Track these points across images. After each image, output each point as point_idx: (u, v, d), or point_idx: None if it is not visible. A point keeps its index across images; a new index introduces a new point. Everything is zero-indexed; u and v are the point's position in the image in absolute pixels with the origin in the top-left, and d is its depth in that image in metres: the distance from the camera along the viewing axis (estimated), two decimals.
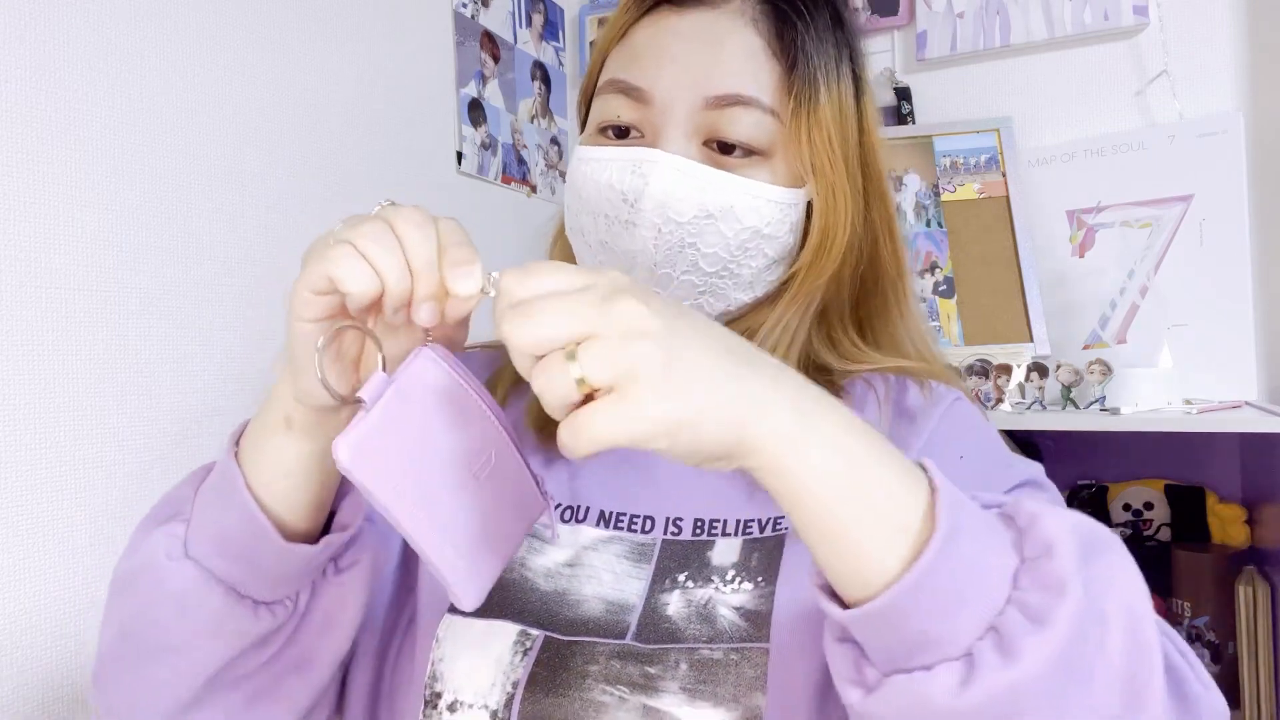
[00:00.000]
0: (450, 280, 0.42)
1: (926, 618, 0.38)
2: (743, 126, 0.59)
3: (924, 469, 0.41)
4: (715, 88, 0.59)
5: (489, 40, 1.28)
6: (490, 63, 1.28)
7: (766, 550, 0.59)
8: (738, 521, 0.61)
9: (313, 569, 0.54)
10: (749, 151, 0.60)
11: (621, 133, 0.62)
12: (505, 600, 0.60)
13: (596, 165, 0.61)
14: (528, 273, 0.39)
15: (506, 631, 0.58)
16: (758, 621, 0.55)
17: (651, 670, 0.54)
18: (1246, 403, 1.09)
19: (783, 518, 0.60)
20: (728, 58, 0.60)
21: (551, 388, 0.36)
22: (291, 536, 0.51)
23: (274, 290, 0.94)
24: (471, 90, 1.24)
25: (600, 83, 0.64)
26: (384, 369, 0.43)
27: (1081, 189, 1.26)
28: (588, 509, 0.64)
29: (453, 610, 0.59)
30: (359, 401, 0.41)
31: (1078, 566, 0.38)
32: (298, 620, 0.55)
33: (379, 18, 1.10)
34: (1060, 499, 0.59)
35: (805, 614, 0.54)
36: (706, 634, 0.56)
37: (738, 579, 0.58)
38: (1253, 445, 1.12)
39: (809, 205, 0.63)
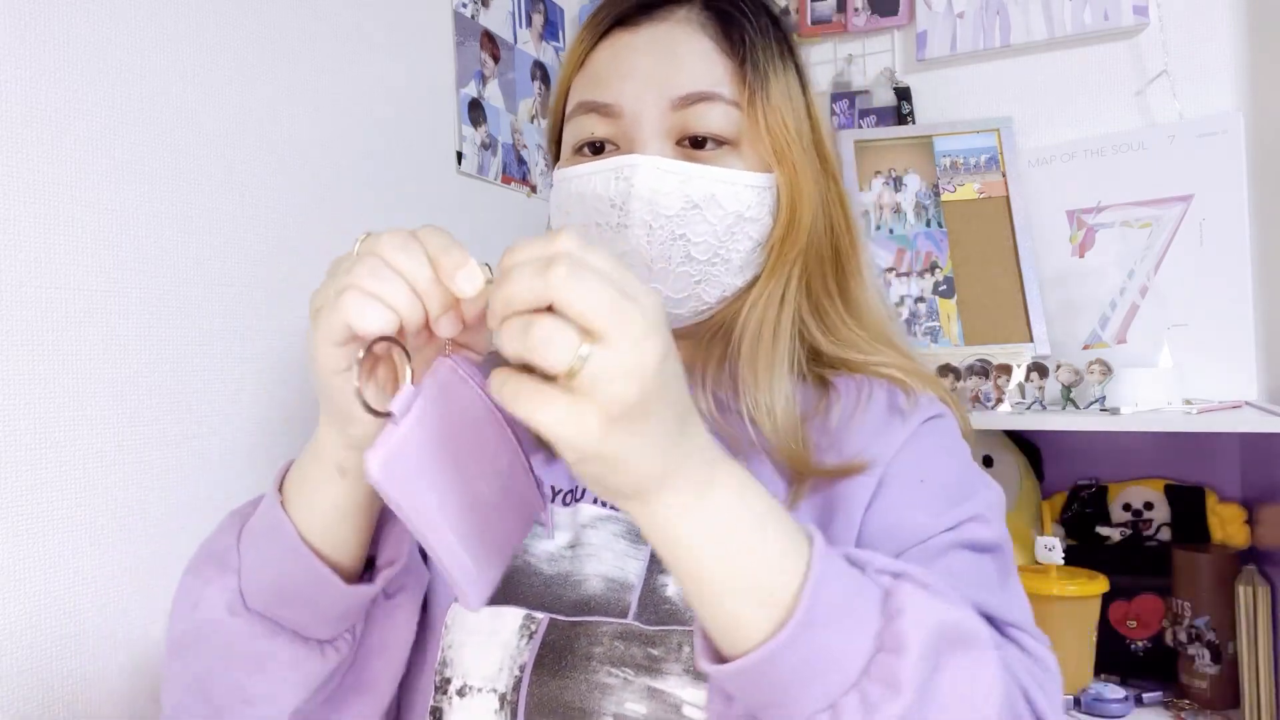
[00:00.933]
0: (455, 287, 0.42)
1: (774, 689, 0.42)
2: (710, 119, 0.64)
3: (810, 541, 0.44)
4: (678, 89, 0.63)
5: (489, 40, 1.28)
6: (490, 63, 1.28)
7: None
8: None
9: (369, 603, 0.56)
10: (719, 142, 0.64)
11: (597, 149, 0.66)
12: (510, 587, 0.62)
13: (580, 181, 0.65)
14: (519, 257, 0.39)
15: (512, 616, 0.60)
16: None
17: (655, 652, 0.57)
18: (1246, 403, 1.09)
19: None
20: (684, 61, 0.64)
21: (550, 349, 0.36)
22: (346, 576, 0.53)
23: (274, 290, 0.94)
24: (471, 90, 1.24)
25: (569, 109, 0.68)
26: (411, 382, 0.43)
27: (1081, 189, 1.26)
28: (584, 489, 0.66)
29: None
30: (388, 415, 0.42)
31: (920, 670, 0.41)
32: (356, 649, 0.57)
33: (379, 18, 1.10)
34: (1004, 536, 0.60)
35: None
36: None
37: None
38: (1253, 445, 1.12)
39: (778, 190, 0.66)
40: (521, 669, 0.58)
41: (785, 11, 1.46)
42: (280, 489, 0.54)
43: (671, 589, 0.60)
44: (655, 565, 0.61)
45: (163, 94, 0.83)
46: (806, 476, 0.61)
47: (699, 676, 0.55)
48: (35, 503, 0.71)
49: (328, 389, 0.47)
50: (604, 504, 0.65)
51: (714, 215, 0.63)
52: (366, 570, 0.57)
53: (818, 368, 0.68)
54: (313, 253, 0.99)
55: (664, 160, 0.62)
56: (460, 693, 0.59)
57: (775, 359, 0.64)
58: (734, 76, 0.64)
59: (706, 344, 0.68)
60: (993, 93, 1.34)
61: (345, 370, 0.44)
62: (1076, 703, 1.06)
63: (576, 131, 0.66)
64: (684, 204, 0.62)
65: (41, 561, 0.72)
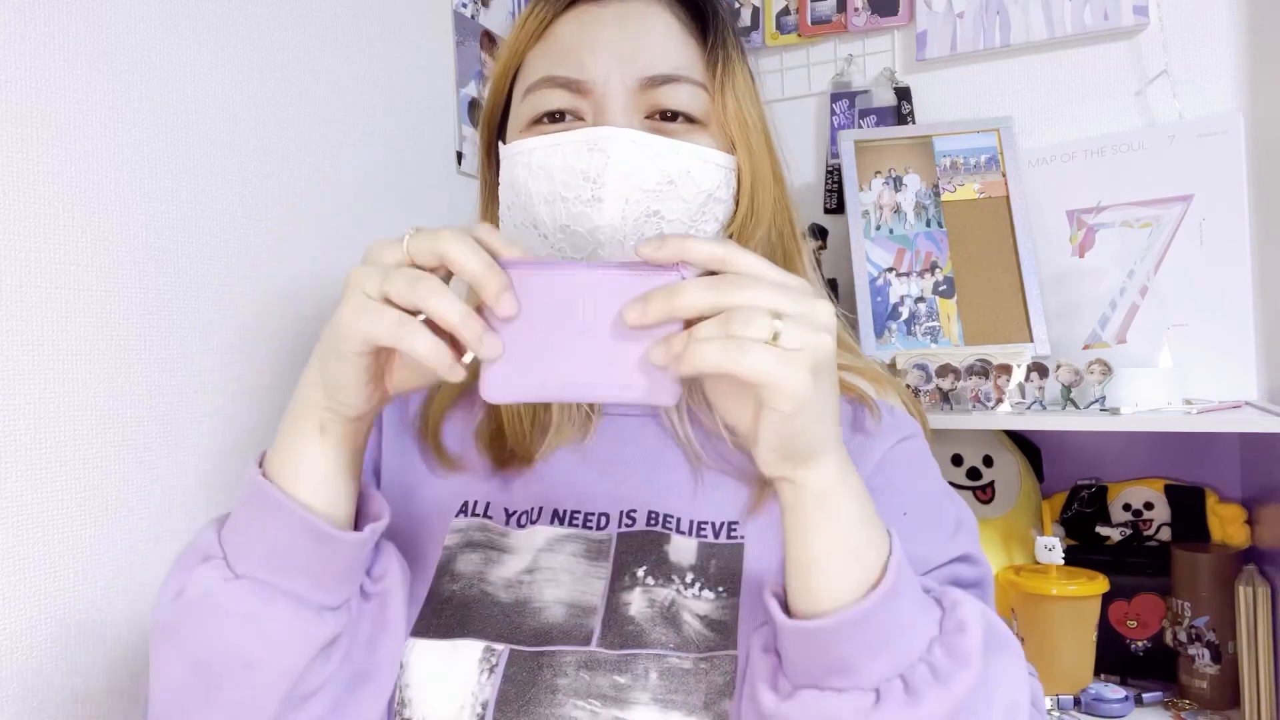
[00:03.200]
0: (499, 310, 0.46)
1: (854, 648, 0.46)
2: (680, 99, 0.63)
3: (889, 533, 0.49)
4: (648, 69, 0.63)
5: (489, 40, 1.28)
6: (490, 63, 1.28)
7: (724, 558, 0.60)
8: (691, 522, 0.62)
9: (359, 564, 0.55)
10: (689, 120, 0.64)
11: (557, 119, 0.64)
12: (467, 618, 0.59)
13: (544, 152, 0.62)
14: (738, 250, 0.46)
15: (470, 649, 0.57)
16: (724, 630, 0.57)
17: (621, 680, 0.55)
18: (1246, 403, 1.09)
19: (736, 524, 0.62)
20: (655, 40, 0.63)
21: (749, 329, 0.42)
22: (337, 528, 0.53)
23: (275, 289, 0.94)
24: (471, 90, 1.24)
25: (530, 83, 0.65)
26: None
27: (1081, 189, 1.26)
28: (541, 509, 0.64)
29: (416, 633, 0.59)
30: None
31: (982, 650, 0.47)
32: (351, 633, 0.55)
33: (379, 18, 1.10)
34: (988, 569, 0.63)
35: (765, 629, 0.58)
36: (673, 640, 0.56)
37: (698, 583, 0.59)
38: (1253, 445, 1.12)
39: (739, 172, 0.67)
40: (484, 706, 0.55)
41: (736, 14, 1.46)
42: (261, 462, 0.54)
43: (635, 608, 0.58)
44: (617, 581, 0.59)
45: (163, 94, 0.83)
46: (769, 489, 0.61)
47: (668, 705, 0.54)
48: (35, 503, 0.71)
49: (337, 361, 0.49)
50: (561, 523, 0.63)
51: (688, 192, 0.62)
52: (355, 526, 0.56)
53: None
54: (313, 252, 0.99)
55: (639, 133, 0.60)
56: None
57: None
58: (700, 58, 0.65)
59: None
60: (993, 93, 1.34)
61: (363, 355, 0.48)
62: (1076, 702, 1.06)
63: (537, 104, 0.64)
64: (660, 179, 0.61)
65: (41, 561, 0.72)
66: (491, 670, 0.56)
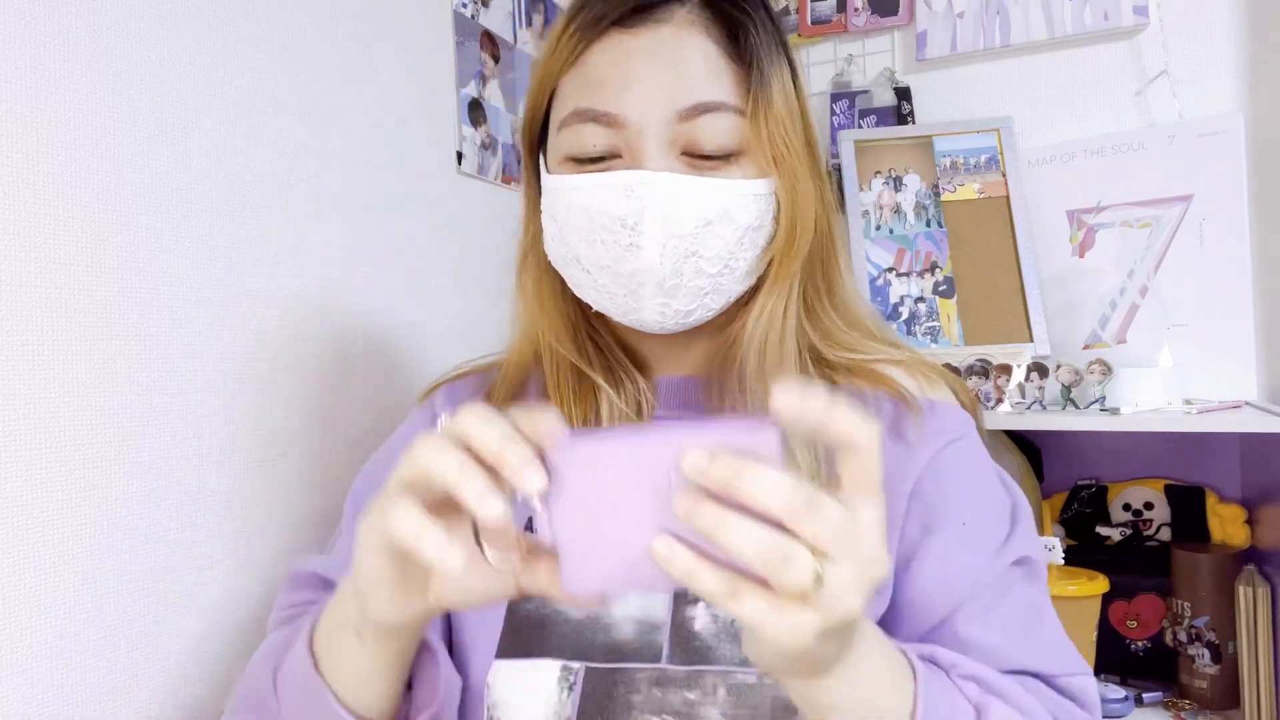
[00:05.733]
0: (517, 479, 0.40)
1: None
2: (716, 131, 0.61)
3: (914, 673, 0.48)
4: (684, 100, 0.60)
5: (489, 40, 1.28)
6: (490, 63, 1.28)
7: None
8: None
9: None
10: (726, 154, 0.62)
11: (595, 158, 0.62)
12: (543, 638, 0.62)
13: (583, 194, 0.61)
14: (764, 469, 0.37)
15: (549, 668, 0.60)
16: None
17: (691, 696, 0.57)
18: (1246, 403, 1.09)
19: None
20: (690, 68, 0.61)
21: (791, 570, 0.36)
22: None
23: (275, 290, 0.94)
24: (471, 90, 1.24)
25: (565, 114, 0.63)
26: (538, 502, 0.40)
27: (1081, 189, 1.26)
28: None
29: (500, 655, 0.62)
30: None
31: None
32: None
33: (379, 18, 1.10)
34: (1043, 564, 0.64)
35: None
36: (738, 656, 0.58)
37: None
38: (1253, 445, 1.12)
39: (778, 196, 0.65)
40: None
41: (785, 10, 1.46)
42: (313, 642, 0.54)
43: (699, 623, 0.60)
44: (681, 599, 0.61)
45: (163, 94, 0.83)
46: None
47: (735, 719, 0.56)
48: (35, 503, 0.71)
49: (361, 563, 0.46)
50: None
51: (726, 230, 0.61)
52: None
53: (821, 371, 0.67)
54: (313, 253, 0.99)
55: (678, 177, 0.60)
56: None
57: (784, 371, 0.63)
58: (738, 82, 0.62)
59: (720, 354, 0.67)
60: (993, 93, 1.34)
61: (382, 552, 0.44)
62: None
63: (574, 140, 0.62)
64: (698, 222, 0.60)
65: (41, 561, 0.72)
66: (571, 688, 0.59)
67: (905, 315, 1.24)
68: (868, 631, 0.46)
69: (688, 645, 0.59)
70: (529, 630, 0.63)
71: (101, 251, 0.77)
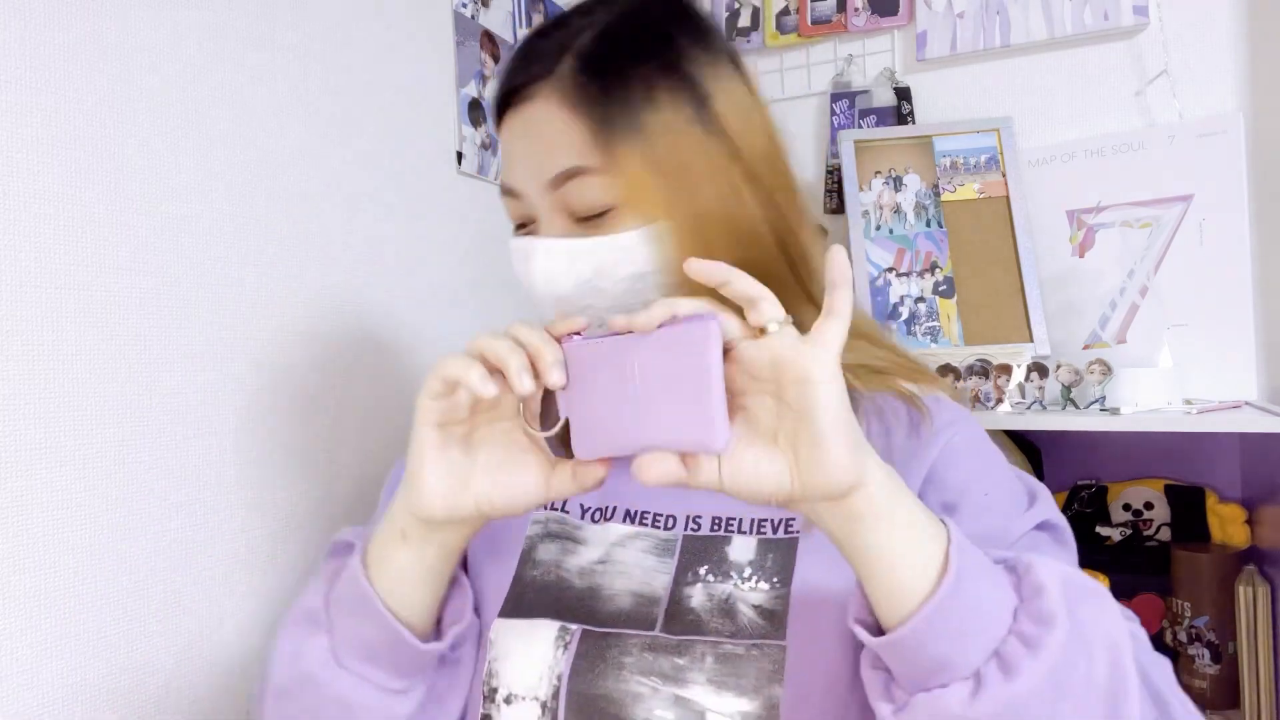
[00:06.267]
0: (548, 380, 0.52)
1: (940, 645, 0.47)
2: (583, 194, 0.63)
3: (942, 520, 0.50)
4: (549, 170, 0.63)
5: (489, 40, 1.28)
6: (490, 63, 1.28)
7: (781, 552, 0.64)
8: (753, 520, 0.66)
9: (435, 659, 0.64)
10: (600, 212, 0.63)
11: (519, 224, 0.68)
12: (545, 600, 0.67)
13: (513, 255, 0.68)
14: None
15: (548, 628, 0.64)
16: (775, 620, 0.61)
17: (680, 661, 0.60)
18: (1246, 403, 1.09)
19: (793, 520, 0.65)
20: (549, 140, 0.63)
21: (772, 306, 0.47)
22: (420, 634, 0.61)
23: (275, 290, 0.94)
24: (471, 90, 1.24)
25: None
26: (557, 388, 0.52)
27: (1081, 189, 1.26)
28: (615, 508, 0.70)
29: (502, 614, 0.67)
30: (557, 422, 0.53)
31: (1065, 605, 0.47)
32: (428, 692, 0.64)
33: (379, 17, 1.10)
34: (1067, 534, 0.64)
35: (818, 614, 0.60)
36: (728, 629, 0.61)
37: (754, 577, 0.63)
38: (1253, 445, 1.12)
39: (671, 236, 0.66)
40: (559, 677, 0.62)
41: (746, 29, 1.46)
42: (365, 556, 0.61)
43: (696, 600, 0.63)
44: (681, 577, 0.64)
45: (163, 94, 0.83)
46: None
47: (721, 686, 0.59)
48: (35, 503, 0.71)
49: (415, 441, 0.55)
50: (633, 522, 0.69)
51: (608, 284, 0.63)
52: (437, 624, 0.64)
53: None
54: (313, 253, 0.99)
55: (550, 242, 0.63)
56: (507, 700, 0.64)
57: None
58: (599, 143, 0.62)
59: None
60: (993, 93, 1.34)
61: (430, 425, 0.54)
62: None
63: (505, 208, 0.69)
64: (576, 281, 0.63)
65: (41, 561, 0.72)
66: (565, 646, 0.63)
67: (905, 315, 1.24)
68: (891, 475, 0.49)
69: (682, 618, 0.62)
70: (533, 594, 0.67)
71: (102, 252, 0.77)
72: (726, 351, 0.47)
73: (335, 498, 1.01)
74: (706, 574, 0.64)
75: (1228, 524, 1.15)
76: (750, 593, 0.62)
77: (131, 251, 0.80)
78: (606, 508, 0.70)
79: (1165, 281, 1.19)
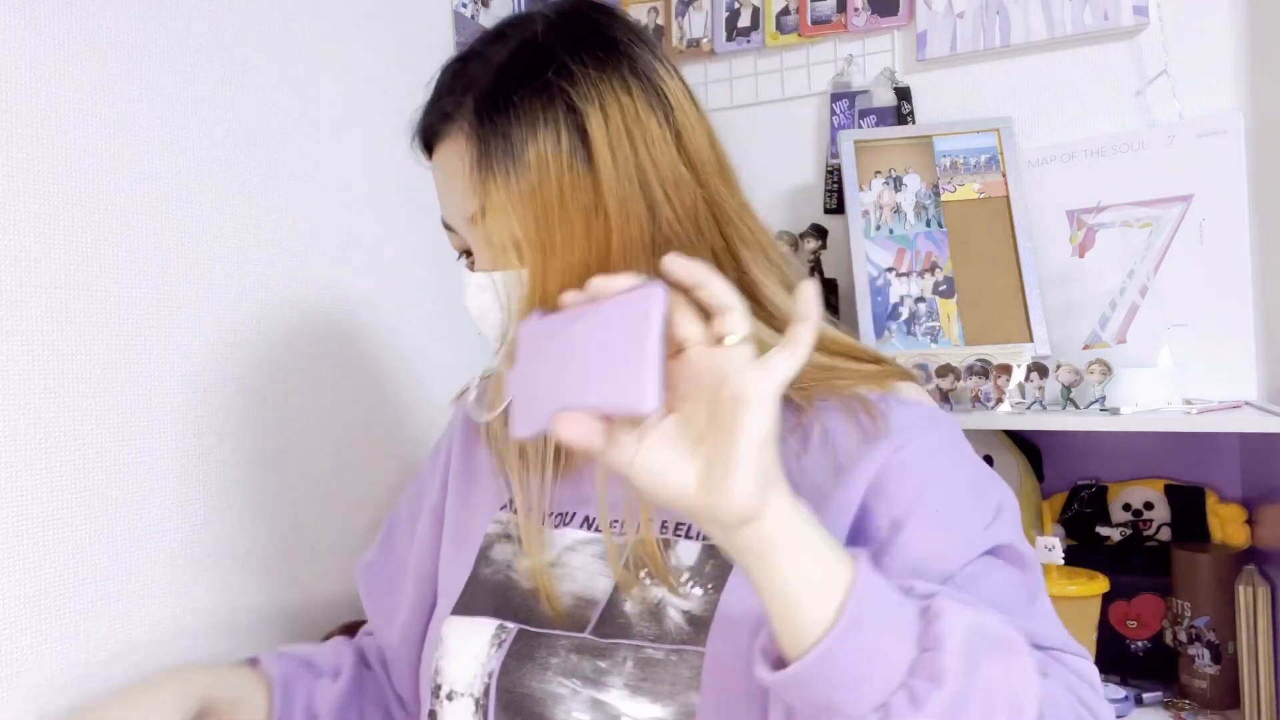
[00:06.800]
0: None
1: (828, 690, 0.45)
2: (498, 231, 0.62)
3: (855, 557, 0.47)
4: (465, 210, 0.64)
5: None
6: None
7: (720, 558, 0.62)
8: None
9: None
10: (505, 248, 0.62)
11: (465, 252, 0.69)
12: (491, 599, 0.67)
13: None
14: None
15: (488, 627, 0.65)
16: (699, 626, 0.60)
17: (601, 664, 0.60)
18: (1246, 403, 1.09)
19: None
20: (460, 179, 0.63)
21: (739, 319, 0.45)
22: None
23: (274, 290, 0.94)
24: None
25: None
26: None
27: (1081, 189, 1.25)
28: (574, 514, 0.69)
29: (454, 612, 0.68)
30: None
31: (963, 661, 0.45)
32: None
33: (379, 18, 1.10)
34: (1031, 554, 0.60)
35: (741, 623, 0.58)
36: (653, 633, 0.61)
37: (690, 582, 0.62)
38: (1253, 445, 1.12)
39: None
40: (490, 675, 0.63)
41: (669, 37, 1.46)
42: None
43: (629, 604, 0.62)
44: (622, 583, 0.64)
45: (163, 95, 0.83)
46: None
47: (637, 691, 0.59)
48: (35, 503, 0.71)
49: None
50: (589, 528, 0.67)
51: (494, 317, 0.65)
52: None
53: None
54: (314, 253, 0.99)
55: (475, 277, 0.65)
56: (449, 697, 0.65)
57: None
58: (485, 180, 0.61)
59: None
60: (993, 93, 1.34)
61: None
62: None
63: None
64: (480, 310, 0.65)
65: (41, 561, 0.72)
66: (500, 645, 0.64)
67: (905, 315, 1.24)
68: (796, 512, 0.47)
69: (614, 621, 0.62)
70: (484, 594, 0.68)
71: (102, 251, 0.77)
72: (679, 349, 0.46)
73: (337, 497, 1.01)
74: (645, 577, 0.63)
75: (1228, 524, 1.15)
76: (682, 599, 0.61)
77: (131, 251, 0.80)
78: (568, 513, 0.69)
79: (1165, 281, 1.19)
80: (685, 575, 0.62)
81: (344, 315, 1.04)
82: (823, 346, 0.65)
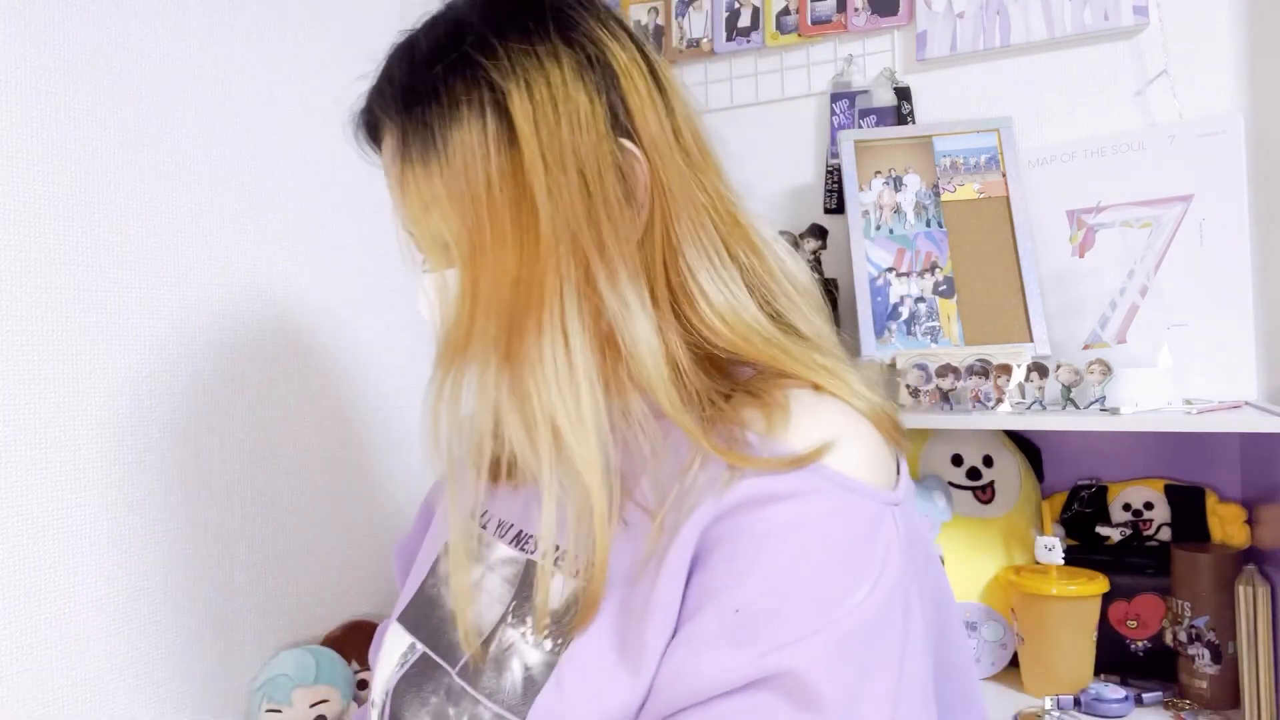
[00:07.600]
0: None
1: None
2: (426, 231, 0.59)
3: None
4: (400, 211, 0.62)
5: None
6: None
7: (580, 610, 0.54)
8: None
9: None
10: (443, 243, 0.58)
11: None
12: (417, 614, 0.66)
13: None
14: None
15: (404, 643, 0.65)
16: (529, 691, 0.53)
17: (451, 713, 0.57)
18: (1246, 403, 1.09)
19: None
20: (392, 183, 0.61)
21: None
22: None
23: (274, 290, 0.94)
24: None
25: None
26: None
27: (1081, 189, 1.26)
28: (514, 525, 0.64)
29: (398, 618, 0.67)
30: None
31: None
32: None
33: (379, 18, 1.10)
34: (816, 692, 0.44)
35: (572, 698, 0.51)
36: (490, 687, 0.55)
37: (547, 630, 0.55)
38: (1253, 445, 1.12)
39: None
40: (387, 693, 0.63)
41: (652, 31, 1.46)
42: None
43: (494, 646, 0.57)
44: (506, 613, 0.58)
45: (164, 95, 0.83)
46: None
47: None
48: (34, 503, 0.71)
49: None
50: (517, 545, 0.61)
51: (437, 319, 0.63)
52: None
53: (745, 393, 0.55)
54: (315, 253, 0.99)
55: (423, 279, 0.62)
56: (372, 701, 0.66)
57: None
58: (413, 177, 0.58)
59: None
60: (993, 93, 1.34)
61: None
62: (1076, 703, 1.06)
63: None
64: (429, 315, 0.63)
65: (40, 561, 0.72)
66: (403, 665, 0.63)
67: (905, 315, 1.24)
68: None
69: (478, 665, 0.57)
70: (420, 606, 0.67)
71: (102, 251, 0.77)
72: None
73: (337, 496, 1.01)
74: (515, 612, 0.57)
75: (1228, 524, 1.15)
76: (531, 649, 0.54)
77: (131, 251, 0.80)
78: (512, 525, 0.64)
79: (1165, 281, 1.19)
80: (546, 620, 0.55)
81: (350, 315, 1.04)
82: (751, 345, 0.56)
